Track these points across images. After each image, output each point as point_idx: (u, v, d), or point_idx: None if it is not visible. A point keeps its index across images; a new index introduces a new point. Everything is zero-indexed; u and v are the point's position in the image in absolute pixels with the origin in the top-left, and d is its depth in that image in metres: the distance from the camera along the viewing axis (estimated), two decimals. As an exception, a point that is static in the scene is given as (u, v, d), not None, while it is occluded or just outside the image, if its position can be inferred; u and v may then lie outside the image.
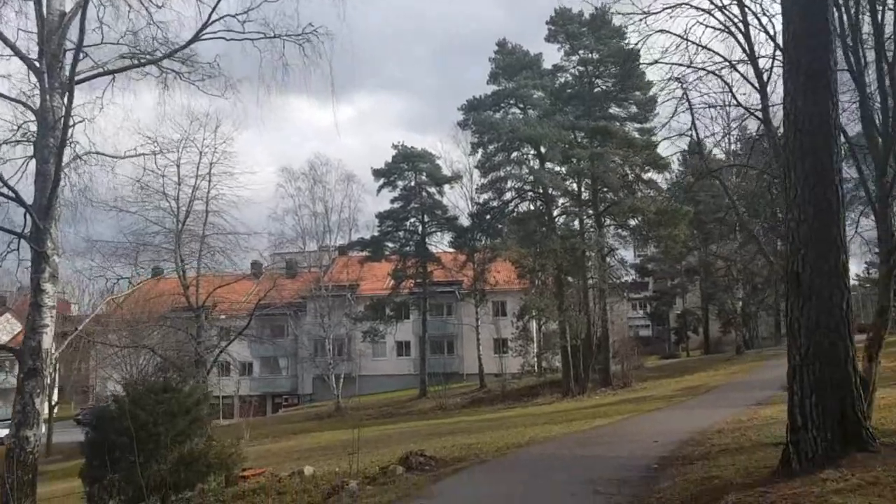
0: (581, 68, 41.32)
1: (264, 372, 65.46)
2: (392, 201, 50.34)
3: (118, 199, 29.99)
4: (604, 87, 41.46)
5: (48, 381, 13.56)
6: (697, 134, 15.65)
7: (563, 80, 41.92)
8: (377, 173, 50.38)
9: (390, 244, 50.65)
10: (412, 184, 50.32)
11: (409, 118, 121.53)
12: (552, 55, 52.29)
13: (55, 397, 45.25)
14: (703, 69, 14.28)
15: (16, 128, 14.47)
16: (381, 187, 50.57)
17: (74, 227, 15.10)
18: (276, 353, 62.27)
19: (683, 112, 15.67)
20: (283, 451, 25.17)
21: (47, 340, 13.41)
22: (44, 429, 46.55)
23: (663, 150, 33.92)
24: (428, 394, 47.21)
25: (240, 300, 39.47)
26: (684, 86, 15.93)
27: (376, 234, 50.02)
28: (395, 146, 50.64)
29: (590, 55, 40.09)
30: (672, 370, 43.50)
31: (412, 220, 50.95)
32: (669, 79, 15.97)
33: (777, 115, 13.43)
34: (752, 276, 55.54)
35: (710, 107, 15.82)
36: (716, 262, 56.13)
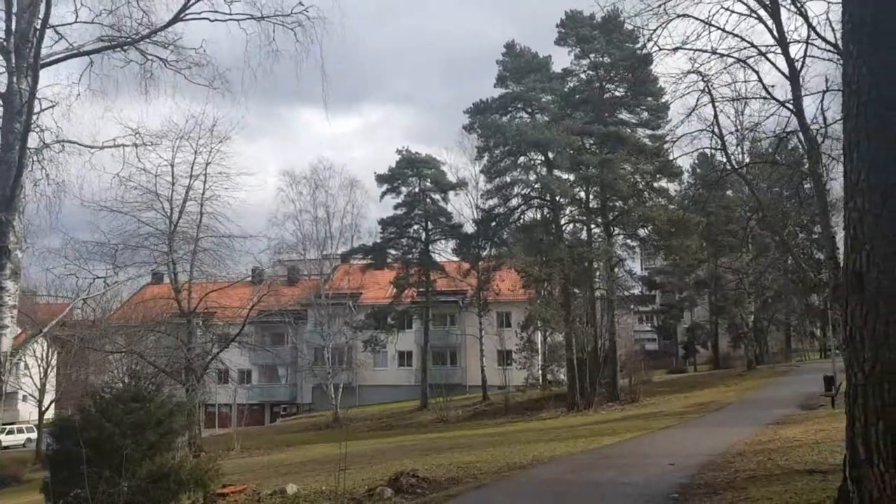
0: (591, 73, 40.19)
1: (263, 380, 64.43)
2: (395, 207, 49.30)
3: (110, 199, 29.03)
4: (615, 93, 40.33)
5: (5, 389, 12.35)
6: (720, 128, 14.43)
7: (572, 84, 40.76)
8: (381, 179, 49.30)
9: (393, 251, 49.51)
10: (416, 190, 49.22)
11: (417, 131, 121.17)
12: (562, 59, 51.46)
13: (49, 403, 44.18)
14: (727, 55, 13.05)
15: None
16: (384, 193, 49.54)
17: (50, 223, 13.86)
18: (274, 361, 61.15)
19: (705, 105, 14.52)
20: (272, 464, 23.92)
21: (6, 343, 12.16)
22: (34, 435, 45.71)
23: (676, 156, 32.78)
24: (429, 406, 45.93)
25: (238, 307, 38.21)
26: (706, 78, 14.80)
27: (378, 240, 48.87)
28: (399, 151, 49.62)
29: (601, 59, 38.94)
30: (681, 385, 42.20)
31: (416, 227, 49.83)
32: (690, 72, 14.85)
33: (808, 107, 12.28)
34: (763, 289, 54.27)
35: (734, 99, 14.61)
36: (726, 274, 54.85)
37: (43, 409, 43.11)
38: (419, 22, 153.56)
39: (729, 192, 50.80)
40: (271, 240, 38.97)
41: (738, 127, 18.12)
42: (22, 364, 51.37)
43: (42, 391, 42.92)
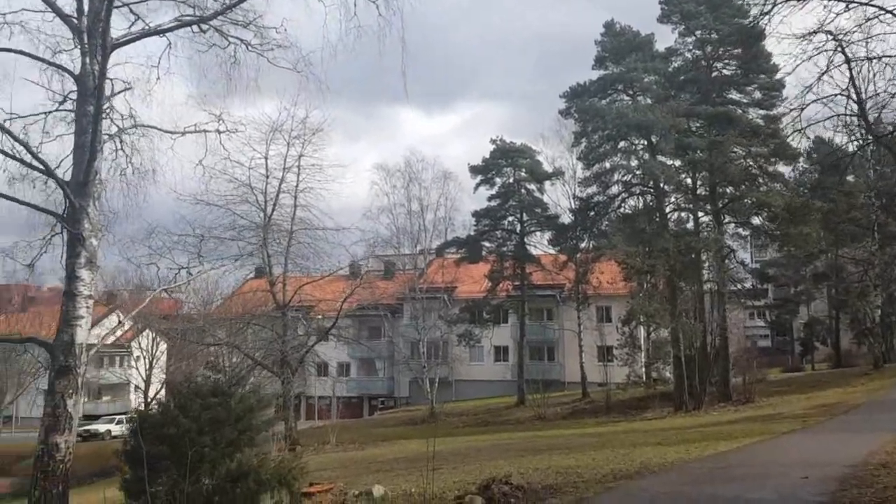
0: (698, 51, 37.64)
1: (361, 374, 64.79)
2: (489, 199, 48.16)
3: (206, 192, 29.17)
4: (723, 72, 37.64)
5: (82, 381, 11.95)
6: (857, 91, 12.43)
7: (676, 63, 38.23)
8: (474, 170, 48.26)
9: (487, 244, 48.40)
10: (511, 180, 47.94)
11: (511, 125, 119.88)
12: (665, 38, 48.80)
13: (154, 394, 45.57)
14: (867, 2, 11.09)
15: (61, 98, 13.08)
16: (478, 185, 48.53)
17: (127, 210, 13.45)
18: (371, 354, 61.32)
19: (837, 67, 12.54)
20: (365, 460, 23.25)
21: (82, 334, 11.77)
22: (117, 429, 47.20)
23: (803, 125, 29.98)
24: (526, 402, 44.54)
25: (333, 300, 38.07)
26: (837, 36, 12.82)
27: (472, 233, 47.82)
28: (493, 141, 48.42)
29: (708, 35, 36.30)
30: (799, 385, 39.09)
31: (510, 218, 48.58)
32: (816, 31, 12.92)
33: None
34: (888, 283, 49.88)
35: (873, 58, 12.55)
36: (847, 266, 50.78)
37: (148, 399, 44.41)
38: (512, 15, 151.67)
39: (850, 178, 46.97)
40: (365, 233, 38.53)
41: (876, 92, 15.79)
42: (134, 355, 53.63)
43: (147, 382, 44.25)
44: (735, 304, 46.27)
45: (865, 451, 14.14)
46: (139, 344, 42.43)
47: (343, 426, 46.55)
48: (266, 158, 30.72)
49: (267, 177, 30.66)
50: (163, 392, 44.00)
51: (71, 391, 11.61)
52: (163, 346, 48.47)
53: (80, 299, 11.70)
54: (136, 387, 50.68)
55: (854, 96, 12.62)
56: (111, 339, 55.00)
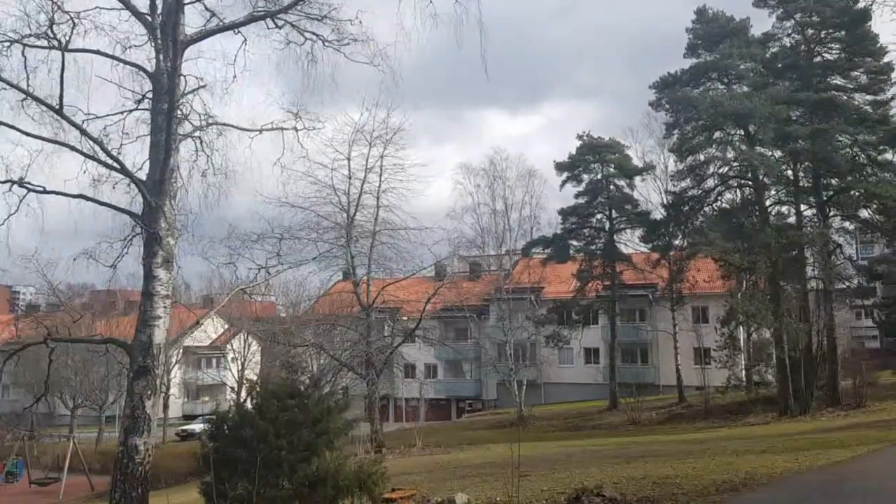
0: (797, 36, 35.36)
1: (448, 376, 64.50)
2: (576, 196, 46.91)
3: (291, 195, 29.36)
4: (826, 56, 35.25)
5: (160, 382, 11.85)
6: None
7: (774, 49, 36.04)
8: (560, 167, 47.12)
9: (575, 242, 47.13)
10: (598, 177, 46.57)
11: (600, 123, 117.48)
12: (762, 23, 46.27)
13: (246, 396, 46.54)
14: None
15: (139, 98, 13.07)
16: (564, 182, 47.34)
17: (208, 210, 13.35)
18: (457, 356, 60.98)
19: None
20: (450, 464, 22.71)
21: (159, 335, 11.67)
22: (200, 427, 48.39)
23: None
24: (618, 406, 43.06)
25: (417, 300, 37.81)
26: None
27: (559, 231, 46.67)
28: (580, 137, 47.18)
29: (808, 18, 34.04)
30: (915, 388, 36.26)
31: (598, 216, 47.21)
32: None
33: None
34: None
35: None
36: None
37: (241, 401, 45.27)
38: (601, 12, 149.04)
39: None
40: (449, 232, 38.02)
41: None
42: (229, 357, 55.12)
43: (240, 384, 45.14)
44: (841, 303, 43.43)
45: None
46: (232, 346, 43.47)
47: (430, 428, 46.43)
48: (349, 159, 30.76)
49: (349, 178, 30.67)
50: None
51: (150, 392, 11.53)
52: (255, 348, 49.55)
53: (157, 299, 11.61)
54: (231, 388, 51.94)
55: None
56: (203, 341, 56.79)
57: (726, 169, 35.17)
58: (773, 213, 35.97)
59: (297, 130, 14.29)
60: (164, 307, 11.72)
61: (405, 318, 39.29)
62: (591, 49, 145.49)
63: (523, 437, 36.50)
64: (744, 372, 40.05)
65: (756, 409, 34.23)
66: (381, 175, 31.07)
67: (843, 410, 30.76)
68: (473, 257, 56.45)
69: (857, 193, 34.23)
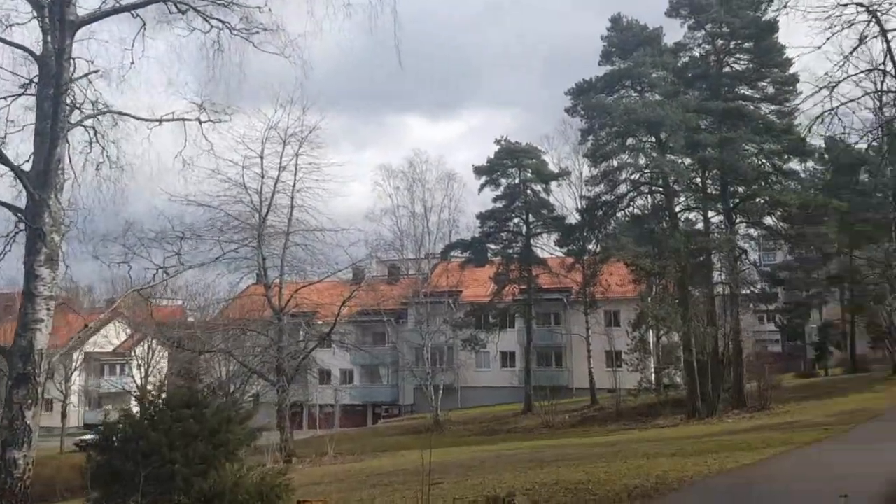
0: (707, 46, 36.42)
1: (364, 381, 63.60)
2: (494, 200, 47.07)
3: (198, 193, 28.19)
4: (735, 67, 36.41)
5: (42, 390, 10.86)
6: (896, 62, 11.25)
7: (686, 59, 37.05)
8: (479, 171, 47.22)
9: (492, 246, 47.24)
10: (516, 181, 46.85)
11: (518, 132, 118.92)
12: (674, 33, 47.67)
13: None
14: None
15: (27, 81, 12.01)
16: (483, 186, 47.46)
17: (103, 205, 12.36)
18: (374, 361, 60.21)
19: (874, 38, 11.36)
20: (363, 472, 22.11)
21: (42, 339, 10.66)
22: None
23: (830, 107, 28.82)
24: (533, 409, 43.31)
25: (335, 305, 36.90)
26: (872, 6, 11.66)
27: (477, 235, 46.69)
28: (498, 141, 47.32)
29: (719, 29, 35.11)
30: (816, 391, 37.70)
31: (516, 220, 47.53)
32: (845, 4, 11.78)
33: None
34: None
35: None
36: (862, 268, 49.31)
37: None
38: (521, 24, 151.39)
39: (864, 177, 45.65)
40: (366, 234, 37.32)
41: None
42: (133, 364, 52.59)
43: (143, 392, 43.01)
44: (746, 308, 44.98)
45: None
46: (135, 352, 41.39)
47: (344, 435, 45.48)
48: (261, 157, 29.73)
49: (262, 176, 29.65)
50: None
51: (30, 401, 10.55)
52: (162, 354, 47.47)
53: (39, 300, 10.65)
54: (135, 396, 49.55)
55: (893, 69, 11.35)
56: (105, 347, 53.95)
57: (638, 175, 35.89)
58: (682, 219, 36.93)
59: (200, 122, 13.48)
60: (48, 309, 10.77)
61: (321, 322, 38.34)
62: (509, 59, 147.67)
63: (439, 443, 36.39)
64: (654, 375, 40.93)
65: (665, 412, 34.93)
66: (295, 174, 30.18)
67: (749, 412, 31.64)
68: (392, 260, 55.89)
69: (761, 201, 35.42)
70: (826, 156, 41.91)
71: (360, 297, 42.10)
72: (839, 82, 11.51)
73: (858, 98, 11.20)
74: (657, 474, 13.19)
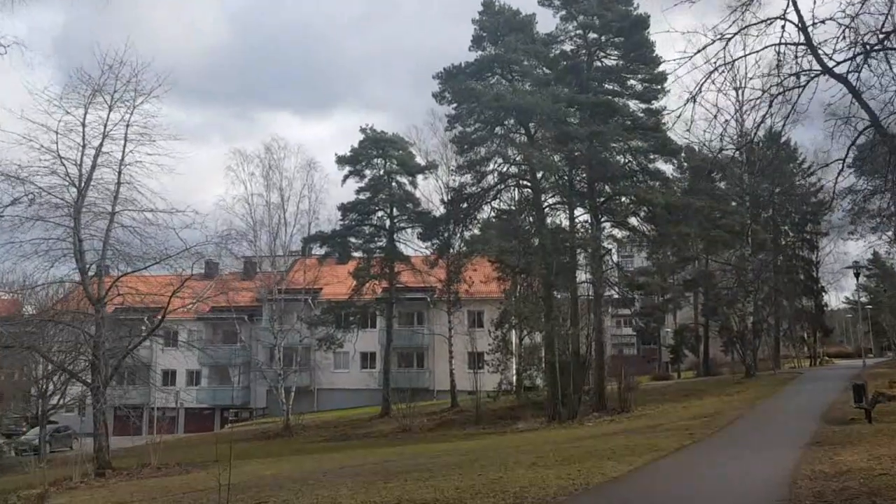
0: (579, 40, 35.50)
1: (213, 383, 59.31)
2: (357, 192, 44.45)
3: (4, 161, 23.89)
4: (605, 63, 35.72)
5: None
6: (801, 16, 9.67)
7: (557, 51, 35.98)
8: (342, 160, 44.51)
9: (354, 240, 44.63)
10: (381, 172, 44.51)
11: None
12: (547, 22, 47.00)
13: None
14: None
15: None
16: (346, 177, 44.87)
17: None
18: (224, 361, 56.18)
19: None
20: (180, 489, 18.91)
21: None
22: None
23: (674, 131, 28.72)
24: (391, 412, 40.98)
25: (158, 294, 32.70)
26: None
27: (338, 228, 43.91)
28: (363, 130, 44.79)
29: (590, 20, 34.18)
30: (673, 393, 37.79)
31: (380, 213, 45.17)
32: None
33: None
34: (756, 290, 50.22)
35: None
36: (716, 273, 50.70)
37: None
38: (390, 32, 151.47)
39: (721, 184, 46.74)
40: (202, 217, 33.14)
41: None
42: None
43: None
44: (606, 310, 44.86)
45: (779, 472, 11.79)
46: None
47: (185, 442, 41.57)
48: (83, 125, 25.50)
49: (83, 146, 25.42)
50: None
51: None
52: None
53: None
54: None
55: (798, 20, 9.76)
56: None
57: (506, 167, 34.37)
58: (549, 216, 35.82)
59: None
60: None
61: (161, 317, 34.28)
62: (382, 64, 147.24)
63: (285, 450, 33.30)
64: (515, 376, 39.71)
65: (526, 414, 33.66)
66: (124, 146, 26.14)
67: (610, 415, 30.77)
68: (247, 257, 51.98)
69: (627, 200, 34.87)
70: (685, 164, 42.54)
71: (211, 293, 38.39)
72: (739, 31, 9.90)
73: (763, 49, 9.58)
74: (514, 492, 11.16)
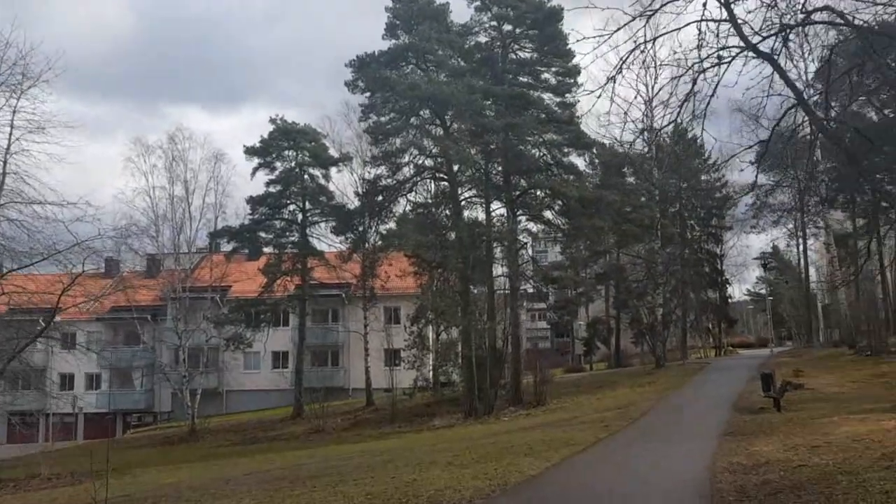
0: (494, 32, 35.18)
1: (114, 386, 56.45)
2: (267, 185, 42.88)
3: None
4: (519, 56, 35.52)
5: None
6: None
7: (473, 42, 35.54)
8: (251, 152, 42.82)
9: (264, 235, 43.05)
10: (292, 164, 43.08)
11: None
12: (461, 12, 46.50)
13: None
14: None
15: None
16: (255, 169, 43.23)
17: None
18: (126, 363, 53.59)
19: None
20: (67, 502, 17.46)
21: None
22: None
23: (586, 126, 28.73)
24: (304, 413, 39.75)
25: (69, 296, 30.70)
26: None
27: (247, 222, 42.21)
28: (273, 121, 43.21)
29: (505, 11, 33.85)
30: (586, 385, 37.99)
31: (291, 207, 43.67)
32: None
33: None
34: (665, 282, 51.35)
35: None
36: (627, 266, 51.61)
37: None
38: (303, 28, 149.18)
39: (631, 179, 47.56)
40: (96, 210, 31.00)
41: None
42: None
43: None
44: (521, 305, 44.95)
45: (698, 464, 11.62)
46: None
47: (83, 449, 39.07)
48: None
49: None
50: None
51: None
52: None
53: None
54: None
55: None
56: None
57: (422, 159, 33.73)
58: (466, 209, 35.42)
59: None
60: None
61: (61, 319, 32.08)
62: (294, 60, 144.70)
63: (190, 456, 31.69)
64: (431, 372, 39.19)
65: (442, 411, 33.17)
66: (10, 133, 24.28)
67: (526, 409, 30.62)
68: (150, 254, 49.50)
69: (542, 193, 34.81)
70: (596, 159, 42.98)
71: (109, 291, 36.32)
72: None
73: (685, 26, 9.18)
74: (429, 495, 10.51)
